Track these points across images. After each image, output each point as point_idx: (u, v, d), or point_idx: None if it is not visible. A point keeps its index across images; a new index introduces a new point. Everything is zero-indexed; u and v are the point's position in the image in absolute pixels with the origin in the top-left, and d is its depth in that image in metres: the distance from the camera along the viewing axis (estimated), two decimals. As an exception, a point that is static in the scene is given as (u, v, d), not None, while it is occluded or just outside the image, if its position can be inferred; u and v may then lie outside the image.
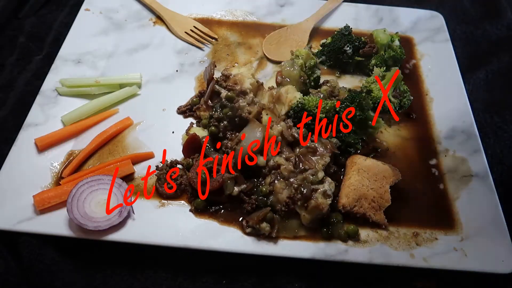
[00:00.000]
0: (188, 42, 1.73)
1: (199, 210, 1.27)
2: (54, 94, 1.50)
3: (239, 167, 1.27)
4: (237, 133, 1.33)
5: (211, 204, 1.28)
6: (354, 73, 1.70)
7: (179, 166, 1.36)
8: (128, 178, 1.34)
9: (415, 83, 1.68)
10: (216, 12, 1.86)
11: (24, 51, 1.73)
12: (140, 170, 1.36)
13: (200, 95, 1.53)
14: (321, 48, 1.72)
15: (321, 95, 1.48)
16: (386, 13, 1.88)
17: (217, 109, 1.40)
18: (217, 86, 1.44)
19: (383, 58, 1.62)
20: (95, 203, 1.22)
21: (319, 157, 1.30)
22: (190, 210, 1.28)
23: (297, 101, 1.37)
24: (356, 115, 1.33)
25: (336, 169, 1.37)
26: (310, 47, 1.60)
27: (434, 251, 1.24)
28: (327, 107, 1.36)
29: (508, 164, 1.53)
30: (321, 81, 1.61)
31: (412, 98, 1.56)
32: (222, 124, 1.36)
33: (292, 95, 1.39)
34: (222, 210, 1.28)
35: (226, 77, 1.46)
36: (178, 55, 1.69)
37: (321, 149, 1.31)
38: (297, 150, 1.32)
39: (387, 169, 1.32)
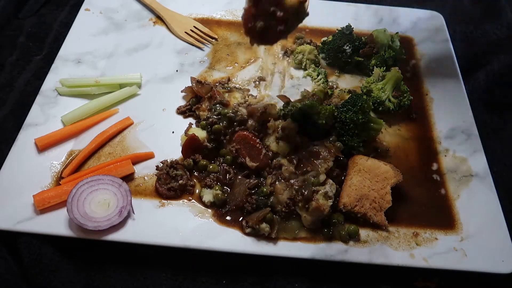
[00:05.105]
0: (188, 42, 1.73)
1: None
2: (54, 94, 1.50)
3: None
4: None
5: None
6: (354, 73, 1.70)
7: (179, 166, 1.36)
8: (128, 178, 1.34)
9: (415, 83, 1.68)
10: (216, 12, 1.86)
11: (24, 51, 1.73)
12: (140, 170, 1.36)
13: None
14: (321, 45, 1.72)
15: (316, 97, 1.48)
16: (386, 13, 1.88)
17: (216, 108, 1.40)
18: (221, 90, 1.45)
19: (383, 58, 1.62)
20: (95, 203, 1.22)
21: (322, 160, 1.29)
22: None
23: (297, 107, 1.37)
24: (359, 119, 1.33)
25: (338, 172, 1.36)
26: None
27: (434, 251, 1.24)
28: (327, 113, 1.35)
29: (508, 164, 1.53)
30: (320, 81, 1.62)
31: (412, 98, 1.56)
32: (222, 124, 1.37)
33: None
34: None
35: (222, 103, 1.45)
36: (178, 55, 1.69)
37: (324, 153, 1.30)
38: (300, 152, 1.32)
39: (389, 170, 1.32)
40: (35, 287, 1.18)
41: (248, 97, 1.49)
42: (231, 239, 1.22)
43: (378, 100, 1.50)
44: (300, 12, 1.11)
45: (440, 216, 1.33)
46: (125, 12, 1.80)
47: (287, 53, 1.72)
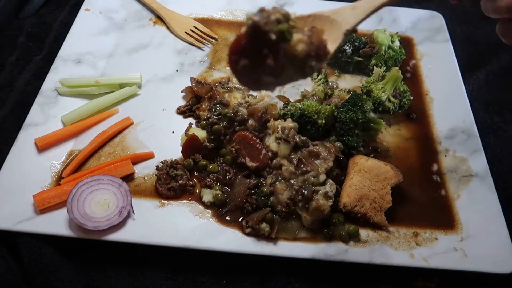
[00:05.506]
0: (188, 42, 1.73)
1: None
2: (54, 94, 1.50)
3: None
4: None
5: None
6: (354, 73, 1.70)
7: (179, 166, 1.36)
8: (128, 178, 1.34)
9: (415, 83, 1.68)
10: (216, 12, 1.86)
11: (24, 51, 1.73)
12: (140, 170, 1.36)
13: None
14: None
15: (316, 97, 1.48)
16: (386, 13, 1.88)
17: (216, 108, 1.40)
18: (221, 90, 1.45)
19: (383, 58, 1.62)
20: (95, 203, 1.22)
21: (322, 160, 1.29)
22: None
23: (297, 107, 1.37)
24: (359, 119, 1.33)
25: (338, 172, 1.36)
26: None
27: (434, 251, 1.24)
28: (327, 112, 1.35)
29: (508, 164, 1.53)
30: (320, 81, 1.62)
31: (412, 98, 1.56)
32: (222, 124, 1.37)
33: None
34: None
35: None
36: (178, 55, 1.69)
37: (324, 153, 1.30)
38: (300, 152, 1.32)
39: (389, 170, 1.32)
40: (35, 287, 1.18)
41: (248, 97, 1.48)
42: (231, 239, 1.22)
43: (378, 100, 1.49)
44: (309, 66, 0.85)
45: (440, 216, 1.33)
46: (125, 12, 1.80)
47: None
